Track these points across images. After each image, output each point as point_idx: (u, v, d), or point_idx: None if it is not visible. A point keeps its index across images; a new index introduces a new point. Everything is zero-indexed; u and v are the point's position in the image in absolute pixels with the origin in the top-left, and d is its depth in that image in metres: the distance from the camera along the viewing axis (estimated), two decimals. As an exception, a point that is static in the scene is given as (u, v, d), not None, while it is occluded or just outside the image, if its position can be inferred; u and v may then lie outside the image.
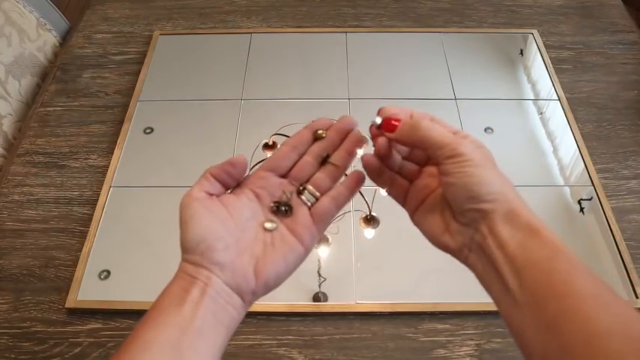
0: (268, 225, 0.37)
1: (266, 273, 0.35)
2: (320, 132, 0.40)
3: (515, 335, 0.32)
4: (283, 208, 0.38)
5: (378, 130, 0.39)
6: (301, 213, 0.38)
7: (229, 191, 0.39)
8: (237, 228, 0.36)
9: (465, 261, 0.37)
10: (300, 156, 0.40)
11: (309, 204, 0.39)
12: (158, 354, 0.31)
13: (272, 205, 0.38)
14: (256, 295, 0.35)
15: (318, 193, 0.39)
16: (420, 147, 0.37)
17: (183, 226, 0.36)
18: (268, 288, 0.36)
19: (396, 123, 0.39)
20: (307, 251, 0.37)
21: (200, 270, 0.34)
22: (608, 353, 0.27)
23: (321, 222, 0.38)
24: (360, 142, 0.41)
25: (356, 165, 0.41)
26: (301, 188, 0.39)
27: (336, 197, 0.39)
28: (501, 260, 0.33)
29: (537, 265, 0.31)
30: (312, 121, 0.41)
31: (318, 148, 0.40)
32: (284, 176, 0.40)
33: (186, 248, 0.35)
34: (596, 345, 0.27)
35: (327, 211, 0.38)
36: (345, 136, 0.41)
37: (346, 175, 0.40)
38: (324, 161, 0.40)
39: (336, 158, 0.40)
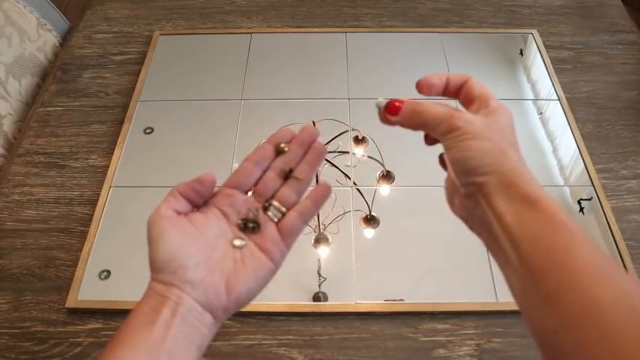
0: (237, 242, 0.37)
1: (237, 289, 0.35)
2: (282, 146, 0.40)
3: (518, 303, 0.32)
4: (251, 225, 0.38)
5: (383, 113, 0.39)
6: (269, 229, 0.38)
7: (195, 210, 0.38)
8: (206, 246, 0.36)
9: (472, 230, 0.37)
10: (264, 171, 0.40)
11: (276, 220, 0.38)
12: None
13: (239, 222, 0.38)
14: (227, 311, 0.35)
15: (284, 209, 0.38)
16: (421, 129, 0.38)
17: (152, 244, 0.35)
18: (240, 304, 0.35)
19: (400, 105, 0.38)
20: (277, 267, 0.37)
21: (171, 289, 0.33)
22: (608, 325, 0.26)
23: (289, 237, 0.38)
24: (322, 153, 0.41)
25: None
26: (267, 204, 0.39)
27: (303, 212, 0.38)
28: (500, 233, 0.33)
29: (534, 237, 0.31)
30: (273, 134, 0.41)
31: (280, 162, 0.40)
32: (249, 192, 0.40)
33: (155, 267, 0.35)
34: (595, 317, 0.27)
35: (294, 227, 0.38)
36: (308, 147, 0.40)
37: (315, 185, 0.40)
38: (287, 175, 0.40)
39: (299, 172, 0.40)
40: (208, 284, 0.34)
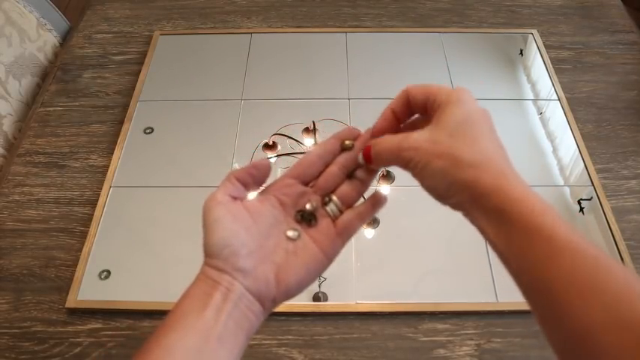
0: (290, 233, 0.37)
1: (287, 280, 0.35)
2: (347, 143, 0.40)
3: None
4: (308, 218, 0.37)
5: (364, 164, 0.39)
6: (325, 224, 0.38)
7: (253, 196, 0.38)
8: (260, 235, 0.36)
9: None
10: (326, 165, 0.40)
11: (333, 215, 0.38)
12: (185, 358, 0.31)
13: (296, 214, 0.38)
14: (276, 302, 0.35)
15: (343, 206, 0.38)
16: (390, 165, 0.38)
17: (207, 229, 0.35)
18: (289, 295, 0.35)
19: (368, 152, 0.39)
20: (330, 261, 0.37)
21: (223, 275, 0.34)
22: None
23: (345, 234, 0.38)
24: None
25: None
26: (327, 199, 0.38)
27: (362, 212, 0.38)
28: (492, 246, 0.33)
29: (518, 255, 0.31)
30: (340, 131, 0.41)
31: (344, 159, 0.39)
32: (308, 184, 0.39)
33: (209, 252, 0.34)
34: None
35: (352, 225, 0.38)
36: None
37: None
38: (350, 174, 0.39)
39: (361, 173, 0.39)
40: (259, 274, 0.34)
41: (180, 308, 0.33)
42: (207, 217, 0.35)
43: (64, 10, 1.03)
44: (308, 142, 0.76)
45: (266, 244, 0.36)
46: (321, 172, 0.39)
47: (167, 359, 0.31)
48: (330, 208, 0.38)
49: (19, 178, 0.76)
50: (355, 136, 0.40)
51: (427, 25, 0.97)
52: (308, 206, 0.38)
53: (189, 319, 0.32)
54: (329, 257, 0.37)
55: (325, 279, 0.64)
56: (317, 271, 0.36)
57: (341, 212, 0.38)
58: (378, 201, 0.39)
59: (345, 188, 0.39)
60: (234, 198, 0.37)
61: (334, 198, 0.38)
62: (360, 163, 0.39)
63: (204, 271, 0.34)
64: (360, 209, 0.39)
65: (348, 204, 0.39)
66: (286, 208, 0.38)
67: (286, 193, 0.38)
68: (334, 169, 0.39)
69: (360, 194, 0.39)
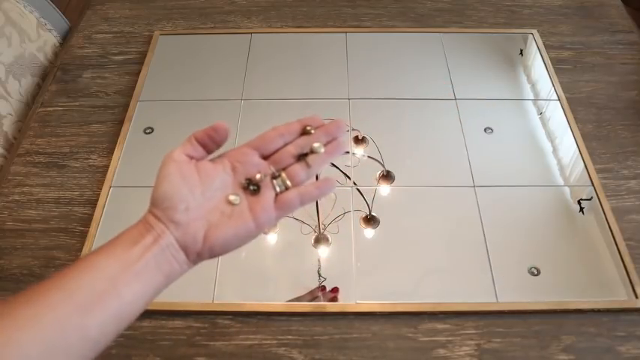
0: (232, 198, 0.39)
1: (213, 239, 0.38)
2: (309, 128, 0.43)
3: None
4: (252, 187, 0.40)
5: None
6: (267, 196, 0.40)
7: (210, 158, 0.42)
8: (202, 195, 0.39)
9: None
10: (285, 144, 0.43)
11: (278, 190, 0.41)
12: (97, 279, 0.35)
13: (243, 181, 0.40)
14: (201, 257, 0.39)
15: (289, 183, 0.41)
16: None
17: (156, 182, 0.39)
18: (213, 253, 0.39)
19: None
20: (258, 231, 0.40)
21: (158, 223, 0.38)
22: None
23: (282, 210, 0.40)
24: (341, 149, 0.43)
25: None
26: (276, 174, 0.41)
27: (303, 193, 0.41)
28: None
29: None
30: (305, 117, 0.44)
31: (303, 141, 0.42)
32: (265, 158, 0.42)
33: (153, 202, 0.39)
34: None
35: (291, 202, 0.40)
36: (332, 140, 0.43)
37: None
38: (302, 155, 0.42)
39: (312, 158, 0.42)
40: (190, 228, 0.38)
41: (115, 240, 0.37)
42: (160, 171, 0.39)
43: (64, 10, 1.03)
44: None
45: (206, 204, 0.39)
46: (278, 150, 0.42)
47: (85, 274, 0.35)
48: (277, 182, 0.41)
49: (19, 178, 0.76)
50: (318, 125, 0.43)
51: (427, 25, 0.97)
52: (258, 176, 0.40)
53: (117, 250, 0.37)
54: (259, 227, 0.39)
55: (325, 279, 0.64)
56: (244, 237, 0.39)
57: (287, 189, 0.41)
58: (324, 185, 0.41)
59: (296, 167, 0.42)
60: (191, 157, 0.40)
61: (283, 174, 0.41)
62: (315, 150, 0.42)
63: (145, 216, 0.39)
64: (303, 189, 0.41)
65: (295, 183, 0.41)
66: (237, 175, 0.41)
67: (241, 161, 0.41)
68: (291, 148, 0.42)
69: (309, 177, 0.42)
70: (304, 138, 0.43)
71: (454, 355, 0.59)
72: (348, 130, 0.78)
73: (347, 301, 0.62)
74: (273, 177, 0.41)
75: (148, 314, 0.61)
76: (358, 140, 0.78)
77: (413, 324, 0.61)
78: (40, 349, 0.32)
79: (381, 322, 0.62)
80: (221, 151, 0.42)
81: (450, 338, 0.60)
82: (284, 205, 0.40)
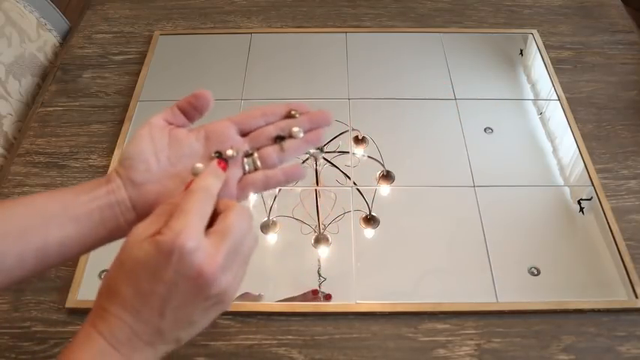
0: (196, 166, 0.39)
1: None
2: (294, 112, 0.42)
3: None
4: (217, 156, 0.40)
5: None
6: (233, 173, 0.40)
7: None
8: (167, 160, 0.39)
9: None
10: (266, 124, 0.42)
11: (247, 169, 0.40)
12: (30, 214, 0.36)
13: (214, 153, 0.40)
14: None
15: (259, 164, 0.40)
16: None
17: (129, 140, 0.40)
18: None
19: None
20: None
21: (117, 179, 0.39)
22: None
23: (245, 190, 0.40)
24: (319, 139, 0.42)
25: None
26: (249, 152, 0.41)
27: (269, 177, 0.40)
28: None
29: None
30: (294, 103, 0.43)
31: (284, 124, 0.42)
32: (244, 135, 0.42)
33: (119, 158, 0.40)
34: None
35: (254, 185, 0.40)
36: (314, 128, 0.42)
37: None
38: (279, 138, 0.41)
39: (288, 143, 0.41)
40: (145, 190, 0.39)
41: (71, 187, 0.39)
42: (135, 131, 0.40)
43: (64, 10, 1.03)
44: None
45: (169, 169, 0.39)
46: (259, 128, 0.42)
47: (22, 207, 0.37)
48: (247, 161, 0.40)
49: (19, 178, 0.76)
50: (304, 111, 0.43)
51: (427, 25, 0.97)
52: (229, 152, 0.40)
53: (65, 194, 0.38)
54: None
55: (325, 279, 0.64)
56: None
57: (256, 170, 0.40)
58: (292, 171, 0.41)
59: (269, 150, 0.41)
60: (170, 123, 0.41)
61: (255, 155, 0.40)
62: (293, 134, 0.41)
63: (110, 171, 0.39)
64: (271, 173, 0.40)
65: (266, 165, 0.41)
66: (209, 145, 0.40)
67: (217, 133, 0.41)
68: (271, 128, 0.42)
69: (281, 162, 0.41)
70: (286, 121, 0.42)
71: (454, 355, 0.59)
72: (347, 131, 0.78)
73: (347, 301, 0.62)
74: (246, 155, 0.40)
75: (148, 314, 0.61)
76: (358, 140, 0.78)
77: (413, 324, 0.61)
78: None
79: (381, 322, 0.62)
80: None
81: (450, 338, 0.60)
82: (247, 185, 0.40)
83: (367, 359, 0.59)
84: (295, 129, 0.41)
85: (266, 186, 0.40)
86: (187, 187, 0.37)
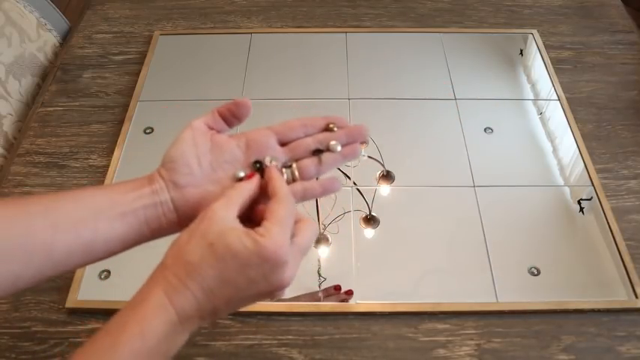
0: (240, 174, 0.40)
1: (204, 209, 0.38)
2: (332, 126, 0.43)
3: None
4: (259, 170, 0.40)
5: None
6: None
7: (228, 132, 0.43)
8: (209, 164, 0.40)
9: None
10: (305, 136, 0.43)
11: (286, 180, 0.41)
12: (80, 207, 0.37)
13: (253, 161, 0.41)
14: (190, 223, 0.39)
15: (297, 175, 0.41)
16: None
17: (172, 143, 0.41)
18: None
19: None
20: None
21: (160, 180, 0.40)
22: None
23: None
24: (356, 154, 0.43)
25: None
26: (288, 164, 0.41)
27: (307, 189, 0.41)
28: None
29: None
30: (332, 116, 0.44)
31: (322, 137, 0.43)
32: (283, 144, 0.43)
33: (162, 161, 0.41)
34: None
35: (294, 196, 0.40)
36: (351, 142, 0.43)
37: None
38: (317, 151, 0.42)
39: (327, 157, 0.42)
40: (187, 193, 0.39)
41: (117, 183, 0.40)
42: (178, 134, 0.41)
43: (64, 10, 1.03)
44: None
45: (211, 174, 0.40)
46: (298, 139, 0.43)
47: (73, 200, 0.37)
48: (287, 172, 0.41)
49: (19, 178, 0.76)
50: (342, 125, 0.43)
51: (427, 25, 0.97)
52: (268, 160, 0.40)
53: (113, 190, 0.38)
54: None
55: (325, 279, 0.64)
56: None
57: (294, 181, 0.41)
58: (329, 184, 0.41)
59: (308, 162, 0.42)
60: (211, 128, 0.42)
61: (294, 165, 0.41)
62: (331, 148, 0.42)
63: (152, 172, 0.40)
64: (308, 185, 0.41)
65: (304, 177, 0.41)
66: (250, 153, 0.41)
67: (257, 141, 0.42)
68: (309, 140, 0.42)
69: (318, 174, 0.42)
70: (325, 134, 0.43)
71: (454, 355, 0.59)
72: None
73: (347, 301, 0.62)
74: (284, 166, 0.41)
75: (148, 314, 0.61)
76: (358, 140, 0.78)
77: (413, 324, 0.61)
78: (6, 244, 0.34)
79: (381, 322, 0.62)
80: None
81: (450, 338, 0.60)
82: None
83: (367, 359, 0.59)
84: (333, 142, 0.42)
85: (303, 197, 0.41)
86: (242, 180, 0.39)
